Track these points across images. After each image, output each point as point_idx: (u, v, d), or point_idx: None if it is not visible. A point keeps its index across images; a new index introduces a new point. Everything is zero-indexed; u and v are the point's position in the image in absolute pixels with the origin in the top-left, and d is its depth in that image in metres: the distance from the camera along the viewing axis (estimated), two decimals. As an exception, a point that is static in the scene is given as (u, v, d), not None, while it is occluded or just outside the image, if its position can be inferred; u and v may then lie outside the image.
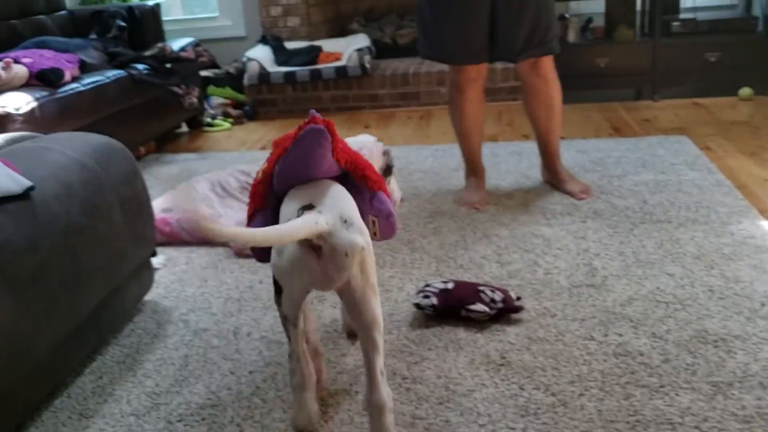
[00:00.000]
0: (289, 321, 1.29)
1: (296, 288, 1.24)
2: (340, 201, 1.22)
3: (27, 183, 1.29)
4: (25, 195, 1.30)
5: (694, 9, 4.27)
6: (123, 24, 3.62)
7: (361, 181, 1.33)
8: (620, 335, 1.60)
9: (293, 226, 1.14)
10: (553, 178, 2.60)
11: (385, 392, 1.24)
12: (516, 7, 2.28)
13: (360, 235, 1.18)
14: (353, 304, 1.22)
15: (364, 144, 1.52)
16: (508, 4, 2.28)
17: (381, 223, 1.36)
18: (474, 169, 2.60)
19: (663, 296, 1.76)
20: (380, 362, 1.23)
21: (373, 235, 1.33)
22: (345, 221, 1.17)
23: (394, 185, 1.57)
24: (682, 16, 3.99)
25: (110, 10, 3.66)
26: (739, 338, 1.55)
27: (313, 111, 1.29)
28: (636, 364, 1.49)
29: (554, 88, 2.48)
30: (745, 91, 3.77)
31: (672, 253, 1.99)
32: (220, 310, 1.86)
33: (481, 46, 2.35)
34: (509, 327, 1.67)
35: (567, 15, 4.22)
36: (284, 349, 1.64)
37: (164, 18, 5.12)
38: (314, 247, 1.16)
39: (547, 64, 2.43)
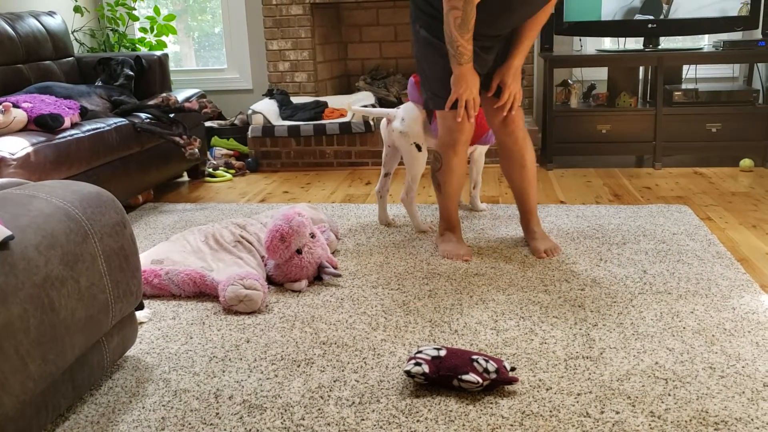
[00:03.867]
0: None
1: (384, 141, 2.89)
2: (406, 109, 2.76)
3: (6, 232, 1.26)
4: (3, 245, 1.26)
5: (696, 80, 4.30)
6: (131, 73, 3.65)
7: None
8: (617, 413, 1.54)
9: (380, 109, 2.95)
10: (527, 235, 2.65)
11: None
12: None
13: (401, 126, 2.73)
14: (398, 151, 2.83)
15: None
16: None
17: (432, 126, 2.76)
18: (455, 224, 2.66)
19: (662, 372, 1.70)
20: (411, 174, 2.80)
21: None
22: (402, 119, 2.74)
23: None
24: (684, 86, 4.02)
25: (118, 58, 3.69)
26: (741, 421, 1.49)
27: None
28: (633, 445, 1.42)
29: (525, 148, 2.53)
30: (746, 162, 3.77)
31: (672, 327, 1.94)
32: (203, 369, 1.80)
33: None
34: (502, 399, 1.61)
35: (571, 81, 4.25)
36: (267, 416, 1.58)
37: (175, 68, 5.21)
38: (388, 121, 2.81)
39: (516, 122, 2.49)
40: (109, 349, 1.68)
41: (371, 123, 4.15)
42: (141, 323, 2.07)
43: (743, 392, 1.60)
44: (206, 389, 1.70)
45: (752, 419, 1.49)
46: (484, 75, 2.45)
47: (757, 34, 3.96)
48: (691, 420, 1.50)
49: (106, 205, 1.61)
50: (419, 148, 2.74)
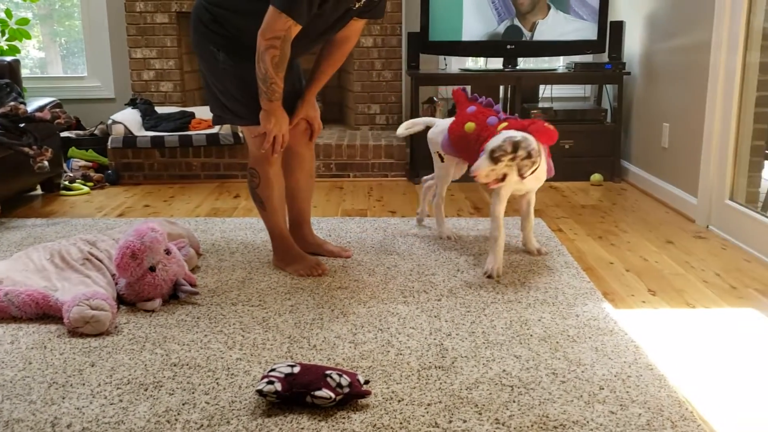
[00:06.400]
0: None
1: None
2: (442, 120, 2.92)
3: None
4: None
5: (552, 99, 4.55)
6: (22, 100, 3.47)
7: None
8: (464, 421, 1.58)
9: (423, 118, 3.12)
10: (312, 244, 2.73)
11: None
12: None
13: (430, 133, 2.92)
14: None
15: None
16: None
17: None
18: (289, 240, 2.63)
19: (508, 379, 1.77)
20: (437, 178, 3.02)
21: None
22: (435, 126, 2.92)
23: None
24: (541, 105, 4.24)
25: (3, 81, 3.48)
26: (577, 424, 1.57)
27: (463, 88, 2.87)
28: (477, 452, 1.47)
29: (314, 160, 2.72)
30: (596, 176, 4.03)
31: (520, 334, 2.02)
32: (40, 397, 1.68)
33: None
34: (355, 414, 1.61)
35: (436, 98, 4.39)
36: (108, 442, 1.50)
37: (41, 75, 4.91)
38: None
39: (316, 136, 2.64)
40: (-71, 380, 1.54)
41: (240, 135, 4.08)
42: (-27, 350, 1.92)
43: (581, 396, 1.69)
44: (42, 418, 1.59)
45: (588, 421, 1.58)
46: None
47: (605, 57, 4.25)
48: (532, 425, 1.57)
49: (-75, 224, 1.48)
50: (441, 158, 2.90)
